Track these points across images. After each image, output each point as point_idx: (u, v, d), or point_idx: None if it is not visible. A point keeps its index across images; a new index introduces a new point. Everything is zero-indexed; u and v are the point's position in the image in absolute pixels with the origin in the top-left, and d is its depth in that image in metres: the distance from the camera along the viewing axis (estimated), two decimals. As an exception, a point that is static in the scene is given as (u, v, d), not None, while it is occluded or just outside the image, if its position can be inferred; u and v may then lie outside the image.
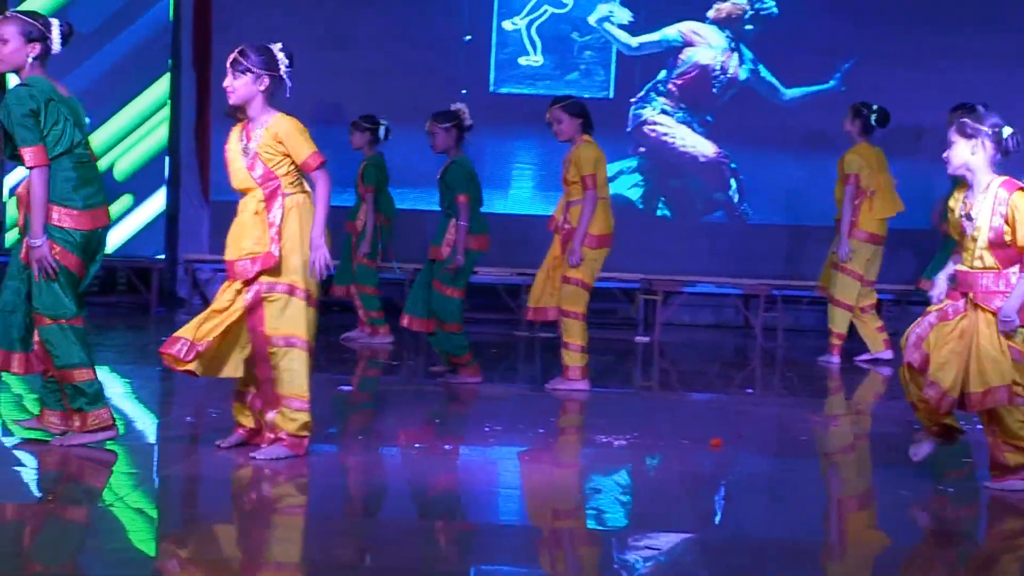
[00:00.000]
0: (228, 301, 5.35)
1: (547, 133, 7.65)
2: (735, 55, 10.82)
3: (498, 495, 5.38)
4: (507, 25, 11.04)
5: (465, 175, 7.56)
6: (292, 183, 5.37)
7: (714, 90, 10.83)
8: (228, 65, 5.34)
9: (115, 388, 7.37)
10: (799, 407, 7.68)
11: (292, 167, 5.36)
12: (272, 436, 5.42)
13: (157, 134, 11.14)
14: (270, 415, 5.42)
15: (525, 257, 9.56)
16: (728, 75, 10.81)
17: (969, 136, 5.20)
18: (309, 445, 5.49)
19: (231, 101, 5.37)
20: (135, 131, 11.34)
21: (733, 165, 10.87)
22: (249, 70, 5.29)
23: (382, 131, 9.14)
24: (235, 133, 5.44)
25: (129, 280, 11.70)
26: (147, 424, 6.62)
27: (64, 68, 9.23)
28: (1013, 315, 5.11)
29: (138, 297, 11.30)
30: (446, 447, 6.06)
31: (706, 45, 10.84)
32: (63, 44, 5.46)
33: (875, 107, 8.79)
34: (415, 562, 4.37)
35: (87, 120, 5.60)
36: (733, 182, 10.89)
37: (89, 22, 10.91)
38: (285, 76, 5.38)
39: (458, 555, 4.59)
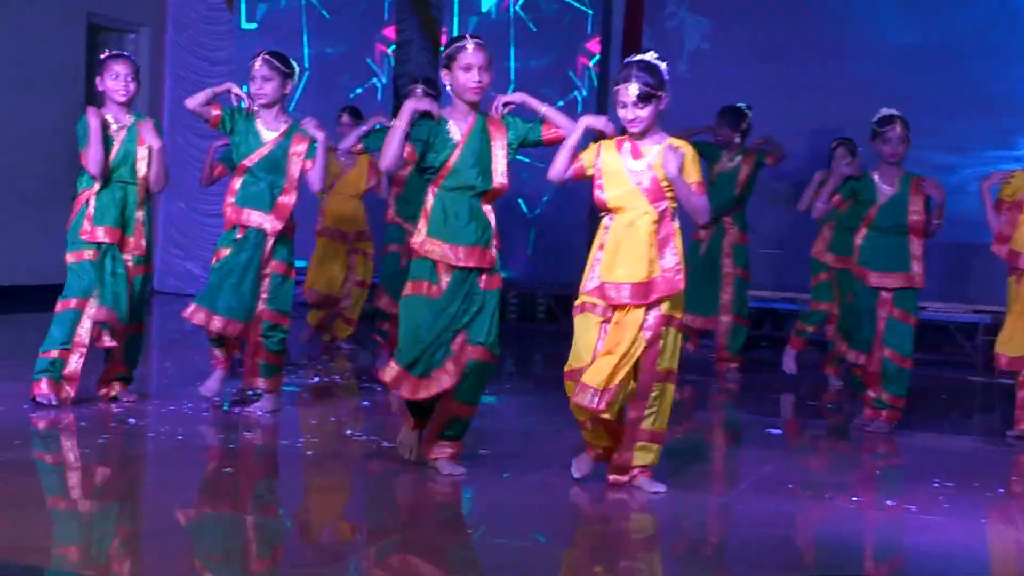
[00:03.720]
0: (620, 337, 5.07)
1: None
2: None
3: (950, 563, 4.60)
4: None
5: None
6: (674, 208, 5.17)
7: None
8: (629, 88, 5.09)
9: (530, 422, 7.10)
10: None
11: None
12: (629, 475, 5.24)
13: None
14: (624, 455, 5.20)
15: (983, 292, 8.59)
16: None
17: None
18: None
19: (637, 129, 5.14)
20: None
21: None
22: (655, 95, 5.11)
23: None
24: (610, 148, 5.23)
25: (548, 308, 11.65)
26: (563, 458, 6.24)
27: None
28: None
29: (558, 325, 11.19)
30: (888, 503, 5.38)
31: None
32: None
33: None
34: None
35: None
36: None
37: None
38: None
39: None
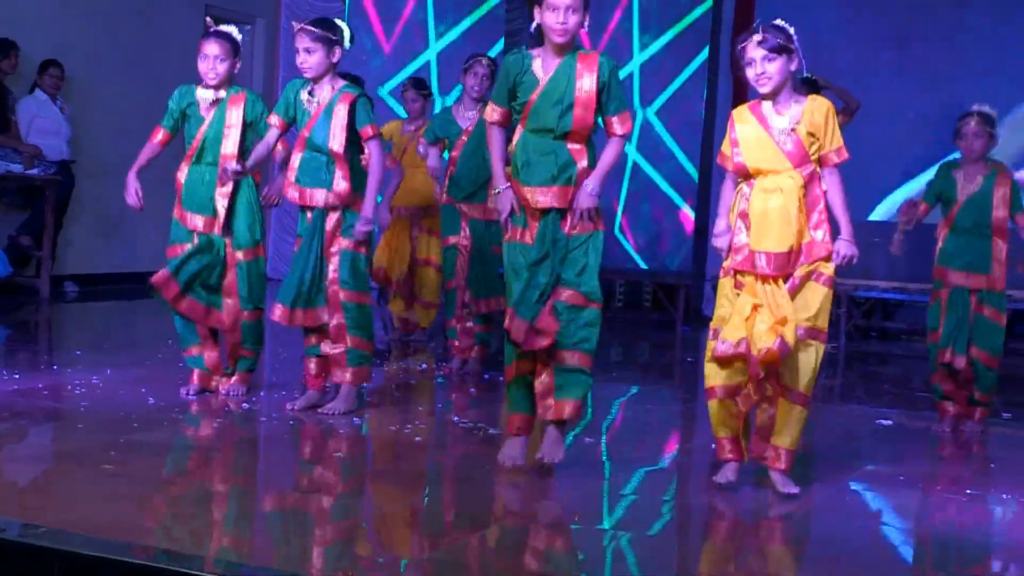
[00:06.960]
0: (770, 308, 4.77)
1: None
2: None
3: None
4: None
5: None
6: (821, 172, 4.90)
7: None
8: (752, 50, 4.78)
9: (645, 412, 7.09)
10: None
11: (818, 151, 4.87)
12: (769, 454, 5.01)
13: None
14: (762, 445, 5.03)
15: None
16: None
17: None
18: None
19: (767, 88, 4.81)
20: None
21: None
22: (786, 49, 4.77)
23: None
24: (745, 115, 4.91)
25: (655, 296, 11.58)
26: (669, 449, 6.22)
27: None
28: None
29: (664, 314, 11.13)
30: (1003, 496, 5.25)
31: None
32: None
33: None
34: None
35: None
36: None
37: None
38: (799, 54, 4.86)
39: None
